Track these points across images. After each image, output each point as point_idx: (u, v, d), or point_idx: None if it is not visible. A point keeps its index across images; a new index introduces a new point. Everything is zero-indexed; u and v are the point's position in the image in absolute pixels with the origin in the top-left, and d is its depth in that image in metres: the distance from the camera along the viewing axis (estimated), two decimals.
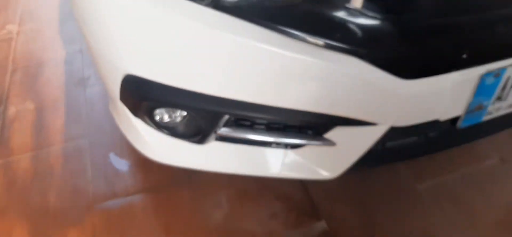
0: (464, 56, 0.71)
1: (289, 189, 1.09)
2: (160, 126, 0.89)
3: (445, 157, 1.14)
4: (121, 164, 1.18)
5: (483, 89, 0.77)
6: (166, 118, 0.88)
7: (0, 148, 1.24)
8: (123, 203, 1.09)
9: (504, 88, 0.79)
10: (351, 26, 0.71)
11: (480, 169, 1.13)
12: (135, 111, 0.89)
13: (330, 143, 0.83)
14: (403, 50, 0.72)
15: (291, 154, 0.87)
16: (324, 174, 0.87)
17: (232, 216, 1.05)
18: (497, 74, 0.76)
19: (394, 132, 0.81)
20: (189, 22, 0.71)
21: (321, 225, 1.02)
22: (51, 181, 1.14)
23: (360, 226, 1.01)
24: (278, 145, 0.86)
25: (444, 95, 0.75)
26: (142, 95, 0.82)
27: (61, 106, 1.37)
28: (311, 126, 0.83)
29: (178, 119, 0.88)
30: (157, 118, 0.87)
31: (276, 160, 0.87)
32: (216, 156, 0.89)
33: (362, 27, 0.71)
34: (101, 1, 0.76)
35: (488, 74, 0.75)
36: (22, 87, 1.46)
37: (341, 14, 0.72)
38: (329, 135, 0.83)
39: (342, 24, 0.72)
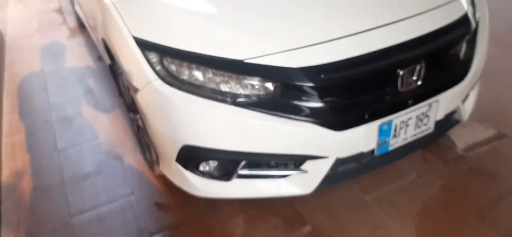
0: (366, 116, 1.35)
1: (283, 208, 1.66)
2: (203, 173, 1.47)
3: (380, 175, 1.75)
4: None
5: (382, 132, 1.40)
6: (206, 168, 1.47)
7: None
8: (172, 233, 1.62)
9: (395, 130, 1.43)
10: (308, 108, 1.33)
11: (405, 182, 1.74)
12: (186, 166, 1.47)
13: (304, 171, 1.43)
14: (335, 117, 1.34)
15: (282, 181, 1.46)
16: (303, 191, 1.46)
17: (249, 231, 1.59)
18: (388, 123, 1.39)
19: (340, 161, 1.42)
20: (219, 112, 1.32)
21: (307, 228, 1.58)
22: None
23: (333, 227, 1.58)
24: (275, 176, 1.45)
25: (361, 137, 1.38)
26: (193, 156, 1.42)
27: None
28: (293, 162, 1.43)
29: (213, 167, 1.47)
30: (201, 168, 1.46)
31: (275, 186, 1.46)
32: (237, 188, 1.47)
33: (314, 108, 1.33)
34: (170, 103, 1.36)
35: (383, 123, 1.38)
36: None
37: (303, 102, 1.34)
38: (303, 166, 1.43)
39: (305, 107, 1.33)
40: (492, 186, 1.70)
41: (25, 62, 3.23)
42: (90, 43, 3.38)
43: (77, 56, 3.23)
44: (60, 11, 4.33)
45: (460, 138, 1.94)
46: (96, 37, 2.21)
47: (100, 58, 3.03)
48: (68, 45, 3.45)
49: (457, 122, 1.71)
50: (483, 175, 1.74)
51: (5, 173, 2.03)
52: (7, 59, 3.31)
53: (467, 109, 1.73)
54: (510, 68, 2.53)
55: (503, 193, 1.66)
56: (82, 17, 3.03)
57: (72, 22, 3.95)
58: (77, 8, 3.33)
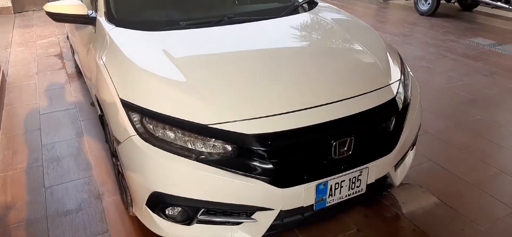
0: (305, 177, 1.65)
1: None
2: (168, 217, 1.72)
3: (325, 227, 2.01)
4: None
5: (319, 191, 1.69)
6: (171, 212, 1.72)
7: None
8: None
9: (331, 190, 1.72)
10: (258, 167, 1.61)
11: (346, 235, 2.00)
12: (154, 209, 1.73)
13: (254, 220, 1.70)
14: (280, 176, 1.63)
15: (235, 227, 1.71)
16: None
17: None
18: (324, 184, 1.69)
19: (284, 213, 1.70)
20: (185, 166, 1.60)
21: None
22: None
23: None
24: (230, 223, 1.71)
25: (301, 194, 1.66)
26: (160, 201, 1.68)
27: None
28: (245, 212, 1.70)
29: (177, 212, 1.73)
30: (167, 212, 1.72)
31: (229, 231, 1.71)
32: (197, 232, 1.72)
33: (263, 168, 1.62)
34: (145, 156, 1.64)
35: (319, 184, 1.68)
36: None
37: (255, 162, 1.63)
38: (253, 216, 1.70)
39: (256, 167, 1.62)
40: None
41: (23, 102, 3.52)
42: (85, 88, 3.70)
43: (72, 99, 3.53)
44: (60, 56, 4.70)
45: (399, 199, 2.23)
46: (90, 85, 2.52)
47: (92, 104, 3.33)
48: (64, 89, 3.76)
49: (390, 185, 2.01)
50: (415, 235, 2.02)
51: None
52: (6, 98, 3.60)
53: (399, 175, 2.03)
54: (451, 139, 2.88)
55: None
56: (80, 66, 3.37)
57: (70, 67, 4.29)
58: (76, 56, 3.67)
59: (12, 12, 6.85)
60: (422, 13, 6.54)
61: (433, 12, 6.38)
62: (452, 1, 6.72)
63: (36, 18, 6.49)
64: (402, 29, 5.83)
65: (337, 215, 2.05)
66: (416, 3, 6.65)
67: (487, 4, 6.19)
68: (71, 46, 4.16)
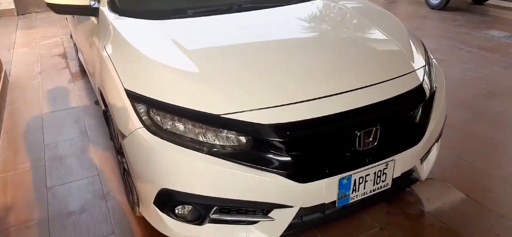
0: (327, 170, 1.51)
1: None
2: (178, 216, 1.59)
3: (345, 226, 1.87)
4: None
5: (342, 186, 1.55)
6: (181, 211, 1.59)
7: None
8: None
9: (354, 184, 1.58)
10: (275, 161, 1.48)
11: (368, 234, 1.85)
12: (163, 209, 1.60)
13: (271, 218, 1.56)
14: (300, 170, 1.49)
15: (251, 227, 1.58)
16: None
17: None
18: (348, 178, 1.55)
19: (304, 210, 1.56)
20: (196, 160, 1.47)
21: None
22: None
23: None
24: (245, 222, 1.58)
25: (323, 189, 1.52)
26: (170, 199, 1.55)
27: None
28: (261, 210, 1.56)
29: (187, 211, 1.60)
30: (176, 211, 1.58)
31: (244, 231, 1.57)
32: (209, 232, 1.58)
33: (281, 161, 1.48)
34: (152, 150, 1.51)
35: (342, 178, 1.53)
36: None
37: (271, 155, 1.49)
38: (270, 214, 1.56)
39: (272, 160, 1.49)
40: None
41: (25, 102, 3.42)
42: (89, 87, 3.59)
43: (75, 99, 3.42)
44: (64, 56, 4.60)
45: (424, 195, 2.08)
46: (94, 83, 2.41)
47: (96, 102, 3.22)
48: (68, 88, 3.66)
49: (416, 180, 1.86)
50: (443, 233, 1.87)
51: None
52: (9, 98, 3.50)
53: (425, 169, 1.89)
54: (474, 132, 2.72)
55: None
56: (83, 63, 3.26)
57: (74, 67, 4.19)
58: (79, 54, 3.57)
59: (16, 14, 6.79)
60: (432, 7, 6.37)
61: (444, 6, 6.21)
62: None
63: (40, 20, 6.42)
64: (413, 22, 5.67)
65: (357, 213, 1.90)
66: None
67: None
68: (74, 45, 4.06)
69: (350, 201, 1.61)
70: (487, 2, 6.71)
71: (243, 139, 1.49)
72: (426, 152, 1.82)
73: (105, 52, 1.91)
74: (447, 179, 2.22)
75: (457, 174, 2.28)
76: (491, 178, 2.24)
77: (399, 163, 1.65)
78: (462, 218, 1.95)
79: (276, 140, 1.46)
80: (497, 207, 2.00)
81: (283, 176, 1.47)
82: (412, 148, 1.68)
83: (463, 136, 2.69)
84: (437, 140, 1.91)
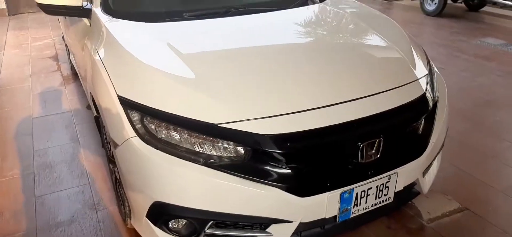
0: (329, 184, 1.44)
1: None
2: (172, 231, 1.52)
3: None
4: None
5: (344, 200, 1.49)
6: (175, 225, 1.52)
7: None
8: None
9: (356, 198, 1.52)
10: (275, 173, 1.42)
11: None
12: (156, 222, 1.52)
13: (270, 234, 1.49)
14: (300, 183, 1.43)
15: None
16: None
17: None
18: (349, 191, 1.49)
19: (303, 225, 1.49)
20: (192, 172, 1.40)
21: None
22: None
23: None
24: None
25: (324, 204, 1.46)
26: (163, 212, 1.47)
27: None
28: (259, 225, 1.49)
29: (181, 225, 1.52)
30: (170, 225, 1.51)
31: None
32: None
33: (280, 174, 1.42)
34: (146, 160, 1.44)
35: (344, 192, 1.48)
36: None
37: (271, 167, 1.43)
38: (268, 229, 1.49)
39: (271, 172, 1.42)
40: None
41: (15, 106, 3.32)
42: (81, 91, 3.50)
43: (67, 103, 3.33)
44: (55, 58, 4.50)
45: (424, 209, 2.03)
46: (86, 87, 2.32)
47: (88, 107, 3.13)
48: (59, 92, 3.56)
49: (417, 193, 1.81)
50: None
51: None
52: None
53: (427, 182, 1.83)
54: (474, 143, 2.69)
55: None
56: (75, 66, 3.17)
57: (66, 70, 4.10)
58: (71, 57, 3.48)
59: (7, 14, 6.66)
60: (428, 13, 6.38)
61: (439, 12, 6.22)
62: (459, 1, 6.57)
63: (31, 20, 6.30)
64: (409, 29, 5.66)
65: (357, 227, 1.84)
66: (422, 3, 6.49)
67: (495, 3, 6.04)
68: (66, 47, 3.97)
69: (351, 216, 1.55)
70: (482, 9, 6.74)
71: (241, 150, 1.42)
72: (428, 164, 1.77)
73: (98, 55, 1.83)
74: (447, 191, 2.18)
75: (457, 186, 2.23)
76: (491, 190, 2.20)
77: (402, 176, 1.59)
78: (464, 233, 1.90)
79: (275, 151, 1.40)
80: (498, 221, 1.96)
81: (282, 189, 1.41)
82: (415, 161, 1.62)
83: (462, 146, 2.65)
84: (439, 152, 1.86)
